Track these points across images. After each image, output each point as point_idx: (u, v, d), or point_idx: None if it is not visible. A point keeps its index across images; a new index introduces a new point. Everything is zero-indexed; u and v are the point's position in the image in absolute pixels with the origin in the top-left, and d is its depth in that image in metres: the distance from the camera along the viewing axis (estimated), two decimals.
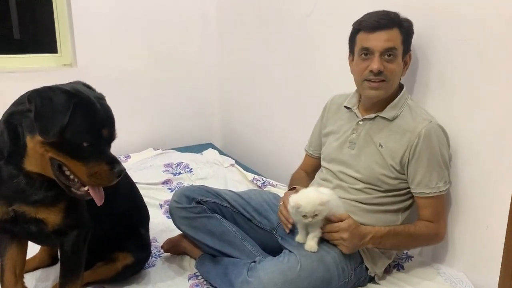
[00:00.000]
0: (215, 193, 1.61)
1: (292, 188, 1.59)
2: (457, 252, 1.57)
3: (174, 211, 1.57)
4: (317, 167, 1.78)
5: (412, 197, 1.52)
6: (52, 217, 1.18)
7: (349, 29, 1.53)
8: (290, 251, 1.35)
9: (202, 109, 3.08)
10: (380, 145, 1.48)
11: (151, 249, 1.63)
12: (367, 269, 1.45)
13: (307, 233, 1.39)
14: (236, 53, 2.83)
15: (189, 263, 1.64)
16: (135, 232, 1.56)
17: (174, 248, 1.66)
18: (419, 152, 1.41)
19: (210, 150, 2.80)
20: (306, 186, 1.67)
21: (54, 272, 1.54)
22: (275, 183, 2.30)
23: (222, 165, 2.59)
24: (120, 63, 2.70)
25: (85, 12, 2.53)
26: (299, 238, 1.40)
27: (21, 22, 3.09)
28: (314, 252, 1.33)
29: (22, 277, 1.33)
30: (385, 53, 1.42)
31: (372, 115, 1.51)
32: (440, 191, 1.44)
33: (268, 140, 2.64)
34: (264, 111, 2.65)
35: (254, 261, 1.36)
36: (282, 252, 1.40)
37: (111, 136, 1.17)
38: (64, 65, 2.67)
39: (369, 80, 1.46)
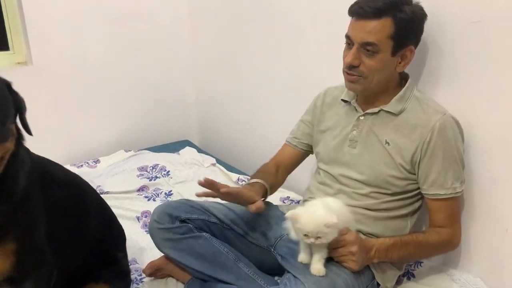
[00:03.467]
0: (201, 208, 1.42)
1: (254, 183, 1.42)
2: (473, 256, 1.43)
3: (155, 233, 1.37)
4: (292, 163, 1.60)
5: (421, 199, 1.37)
6: None
7: (339, 13, 1.35)
8: (295, 277, 1.16)
9: (175, 103, 2.84)
10: (387, 142, 1.31)
11: (132, 274, 1.43)
12: (378, 284, 1.30)
13: (311, 252, 1.21)
14: (212, 40, 2.58)
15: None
16: (112, 259, 1.35)
17: (157, 272, 1.46)
18: (433, 148, 1.25)
19: (187, 148, 2.59)
20: (271, 184, 1.49)
21: None
22: None
23: (202, 165, 2.39)
24: (80, 58, 2.42)
25: (37, 4, 2.25)
26: (302, 258, 1.22)
27: None
28: (322, 276, 1.15)
29: None
30: (364, 46, 1.24)
31: (376, 109, 1.34)
32: (456, 192, 1.28)
33: (251, 135, 2.44)
34: (246, 104, 2.44)
35: None
36: (285, 277, 1.22)
37: None
38: (18, 63, 2.39)
39: (346, 72, 1.30)
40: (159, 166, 2.33)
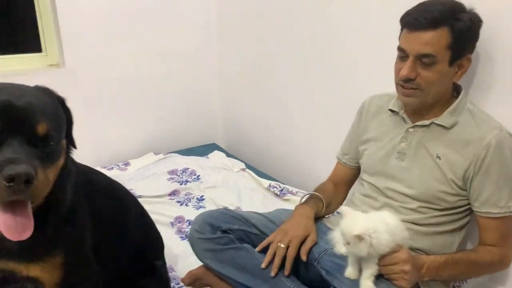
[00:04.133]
0: (242, 219, 1.39)
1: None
2: None
3: (195, 243, 1.35)
4: (350, 179, 1.57)
5: (470, 214, 1.32)
6: (47, 275, 0.94)
7: (379, 18, 1.31)
8: None
9: (203, 107, 2.83)
10: (438, 157, 1.26)
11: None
12: None
13: (359, 267, 1.18)
14: (240, 45, 2.57)
15: None
16: (151, 268, 1.33)
17: (196, 282, 1.44)
18: (488, 165, 1.20)
19: (216, 152, 2.57)
20: (329, 202, 1.48)
21: None
22: (294, 190, 2.09)
23: (231, 170, 2.37)
24: (113, 62, 2.43)
25: (71, 6, 2.25)
26: (349, 273, 1.19)
27: None
28: None
29: None
30: (420, 58, 1.20)
31: (426, 122, 1.29)
32: (511, 212, 1.23)
33: (280, 140, 2.41)
34: (273, 110, 2.42)
35: None
36: None
37: (6, 126, 0.78)
38: (50, 65, 2.40)
39: (401, 86, 1.26)
40: (189, 170, 2.32)
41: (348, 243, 1.12)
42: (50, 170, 0.84)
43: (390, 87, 1.38)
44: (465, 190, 1.26)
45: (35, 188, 0.76)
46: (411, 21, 1.21)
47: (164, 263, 1.39)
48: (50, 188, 0.87)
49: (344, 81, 1.91)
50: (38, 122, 0.80)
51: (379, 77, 1.52)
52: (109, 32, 2.37)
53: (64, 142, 0.93)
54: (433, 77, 1.21)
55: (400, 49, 1.25)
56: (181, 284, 1.47)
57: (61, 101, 0.93)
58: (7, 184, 0.73)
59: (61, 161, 0.89)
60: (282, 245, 1.27)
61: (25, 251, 0.89)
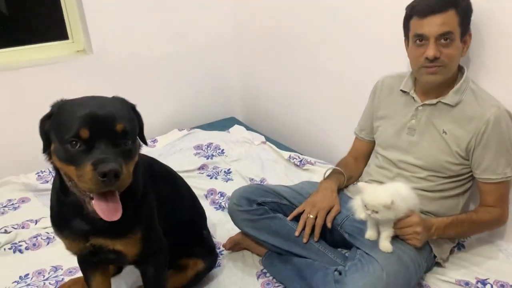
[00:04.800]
0: (273, 192, 1.60)
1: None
2: None
3: (235, 214, 1.56)
4: (368, 152, 1.75)
5: (472, 180, 1.52)
6: (129, 248, 1.16)
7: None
8: (367, 254, 1.35)
9: (221, 82, 2.98)
10: (444, 132, 1.45)
11: None
12: (435, 256, 1.48)
13: (378, 230, 1.39)
14: (256, 19, 2.66)
15: (253, 260, 1.65)
16: (199, 236, 1.56)
17: (235, 247, 1.67)
18: (487, 139, 1.39)
19: (236, 127, 2.75)
20: (350, 175, 1.67)
21: (122, 281, 1.56)
22: (313, 160, 2.27)
23: (252, 143, 2.55)
24: (136, 44, 2.57)
25: None
26: (369, 235, 1.40)
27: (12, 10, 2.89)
28: (390, 253, 1.33)
29: None
30: (441, 38, 1.36)
31: (434, 101, 1.47)
32: (507, 177, 1.43)
33: (297, 113, 2.58)
34: (291, 83, 2.55)
35: (337, 270, 1.36)
36: (355, 252, 1.41)
37: (94, 133, 0.97)
38: (78, 51, 2.55)
39: (426, 67, 1.41)
40: (213, 144, 2.51)
41: (376, 212, 1.30)
42: (130, 164, 1.03)
43: (403, 67, 1.54)
44: (468, 160, 1.45)
45: (121, 180, 0.96)
46: (424, 8, 1.37)
47: (209, 232, 1.62)
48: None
49: (361, 57, 2.03)
50: (117, 124, 0.99)
51: (395, 55, 1.67)
52: (131, 15, 2.50)
53: (138, 141, 1.12)
54: (454, 52, 1.38)
55: (417, 35, 1.39)
56: (222, 248, 1.70)
57: (132, 108, 1.11)
58: (102, 179, 0.93)
59: (137, 157, 1.09)
60: (311, 216, 1.49)
61: (112, 229, 1.11)
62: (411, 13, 1.41)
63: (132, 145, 1.03)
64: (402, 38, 1.53)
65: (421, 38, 1.38)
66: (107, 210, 1.00)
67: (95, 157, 0.95)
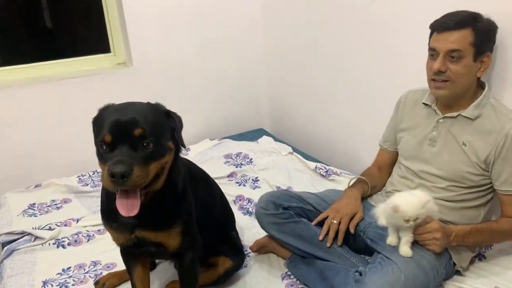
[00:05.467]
0: (299, 198, 1.68)
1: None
2: None
3: (262, 217, 1.65)
4: (391, 162, 1.82)
5: (493, 191, 1.56)
6: (171, 241, 1.28)
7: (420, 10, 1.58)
8: (387, 257, 1.42)
9: (251, 95, 3.11)
10: (464, 144, 1.51)
11: None
12: (454, 264, 1.53)
13: (398, 236, 1.46)
14: (286, 32, 2.77)
15: (278, 262, 1.74)
16: (229, 237, 1.66)
17: (261, 249, 1.76)
18: (506, 152, 1.44)
19: (264, 137, 2.86)
20: (374, 184, 1.74)
21: (156, 277, 1.67)
22: (339, 171, 2.35)
23: (280, 153, 2.65)
24: (172, 57, 2.73)
25: (136, 10, 2.54)
26: (390, 240, 1.47)
27: (57, 25, 3.09)
28: (409, 257, 1.39)
29: None
30: (449, 54, 1.43)
31: (454, 114, 1.53)
32: None
33: (324, 125, 2.66)
34: (318, 96, 2.65)
35: (357, 271, 1.43)
36: (376, 256, 1.48)
37: (116, 137, 1.09)
38: (119, 64, 2.73)
39: (433, 80, 1.49)
40: (242, 154, 2.63)
41: (407, 220, 1.36)
42: (153, 165, 1.11)
43: (425, 82, 1.61)
44: (487, 171, 1.50)
45: (132, 180, 1.05)
46: (441, 24, 1.47)
47: (237, 233, 1.72)
48: (163, 178, 1.19)
49: (387, 70, 2.11)
50: (135, 129, 1.09)
51: (417, 72, 1.73)
52: (168, 30, 2.67)
53: (170, 143, 1.21)
54: (460, 70, 1.45)
55: (431, 48, 1.49)
56: (249, 250, 1.80)
57: (166, 112, 1.22)
58: (111, 179, 1.05)
59: (166, 158, 1.17)
60: (335, 221, 1.57)
61: (155, 223, 1.24)
62: (432, 29, 1.51)
63: (154, 148, 1.11)
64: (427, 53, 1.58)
65: (434, 52, 1.47)
66: (126, 206, 1.11)
67: (112, 159, 1.07)
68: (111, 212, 1.23)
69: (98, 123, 1.15)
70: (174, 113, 1.25)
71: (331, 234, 1.57)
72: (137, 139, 1.09)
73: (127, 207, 1.11)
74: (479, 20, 1.44)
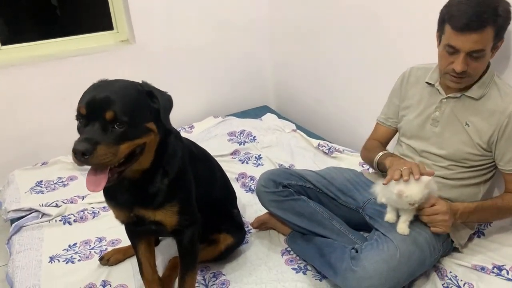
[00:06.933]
0: (299, 176, 1.70)
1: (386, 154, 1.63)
2: None
3: (262, 195, 1.67)
4: (391, 138, 1.82)
5: (493, 170, 1.56)
6: (168, 219, 1.31)
7: None
8: (384, 235, 1.44)
9: (255, 72, 3.10)
10: (467, 124, 1.50)
11: None
12: (452, 241, 1.54)
13: (397, 213, 1.47)
14: (290, 12, 2.75)
15: (278, 238, 1.77)
16: (229, 214, 1.69)
17: (262, 226, 1.79)
18: (510, 132, 1.43)
19: (268, 115, 2.86)
20: None
21: (159, 253, 1.71)
22: (341, 148, 2.35)
23: (283, 130, 2.66)
24: (176, 35, 2.72)
25: None
26: (388, 217, 1.48)
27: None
28: (406, 235, 1.41)
29: (156, 267, 1.51)
30: (472, 53, 1.38)
31: (458, 94, 1.52)
32: None
33: (328, 102, 2.66)
34: (321, 73, 2.64)
35: (354, 248, 1.45)
36: (373, 233, 1.50)
37: (89, 113, 1.10)
38: (122, 41, 2.72)
39: (451, 75, 1.45)
40: (246, 131, 2.64)
41: (412, 204, 1.36)
42: (124, 145, 1.11)
43: (430, 57, 1.58)
44: (490, 152, 1.49)
45: (95, 159, 1.05)
46: (462, 22, 1.33)
47: (239, 211, 1.75)
48: (148, 157, 1.21)
49: (389, 49, 2.09)
50: (107, 110, 1.08)
51: (421, 47, 1.71)
52: (171, 6, 2.64)
53: (150, 124, 1.18)
54: (481, 66, 1.42)
55: (450, 46, 1.38)
56: (250, 227, 1.83)
57: (148, 92, 1.20)
58: (74, 155, 1.05)
59: (144, 139, 1.16)
60: (404, 168, 1.39)
61: (150, 201, 1.26)
62: (448, 21, 1.40)
63: (128, 128, 1.11)
64: (434, 31, 1.52)
65: (453, 49, 1.40)
66: (91, 182, 1.12)
67: (81, 136, 1.09)
68: (111, 190, 1.26)
69: (81, 96, 1.16)
70: (162, 93, 1.23)
71: (401, 173, 1.38)
72: (107, 120, 1.09)
73: (93, 183, 1.12)
74: (499, 14, 1.34)
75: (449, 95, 1.54)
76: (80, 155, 1.05)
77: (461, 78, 1.43)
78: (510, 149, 1.45)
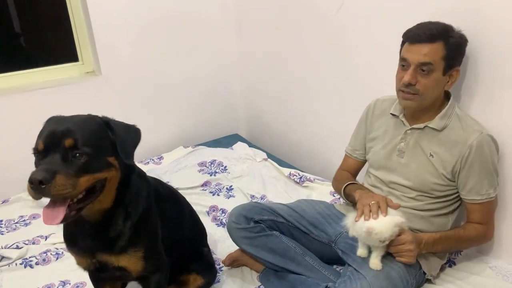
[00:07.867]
0: (270, 210, 1.67)
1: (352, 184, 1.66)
2: (504, 245, 1.66)
3: (233, 232, 1.64)
4: (359, 169, 1.83)
5: (459, 200, 1.59)
6: (133, 265, 1.25)
7: (392, 14, 1.63)
8: (356, 271, 1.42)
9: (226, 101, 3.09)
10: (431, 155, 1.52)
11: None
12: (424, 273, 1.54)
13: (368, 247, 1.46)
14: (259, 38, 2.77)
15: (251, 276, 1.73)
16: (199, 253, 1.64)
17: (235, 263, 1.75)
18: (471, 162, 1.46)
19: (239, 143, 2.83)
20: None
21: None
22: (312, 177, 2.35)
23: (254, 159, 2.63)
24: (143, 65, 2.69)
25: (103, 17, 2.48)
26: (360, 252, 1.47)
27: (25, 30, 3.00)
28: (379, 270, 1.40)
29: None
30: (420, 66, 1.43)
31: (421, 125, 1.54)
32: (490, 197, 1.50)
33: (298, 131, 2.67)
34: (292, 101, 2.65)
35: (327, 286, 1.43)
36: (346, 269, 1.48)
37: (48, 145, 1.06)
38: (87, 72, 2.67)
39: (402, 91, 1.49)
40: (217, 161, 2.60)
41: (384, 241, 1.36)
42: (84, 178, 1.06)
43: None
44: (454, 182, 1.52)
45: (52, 189, 0.99)
46: (413, 36, 1.45)
47: (209, 249, 1.70)
48: (109, 195, 1.16)
49: (362, 76, 2.12)
50: (66, 138, 1.06)
51: (390, 77, 1.73)
52: (138, 38, 2.62)
53: (111, 159, 1.14)
54: (430, 84, 1.45)
55: (402, 59, 1.48)
56: (222, 264, 1.78)
57: (106, 123, 1.16)
58: (31, 185, 1.00)
59: (105, 174, 1.12)
60: (373, 202, 1.43)
61: (114, 246, 1.20)
62: (404, 39, 1.50)
63: (89, 159, 1.07)
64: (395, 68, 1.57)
65: (405, 62, 1.47)
66: (48, 215, 1.06)
67: (40, 167, 1.03)
68: (72, 235, 1.20)
69: (39, 133, 1.12)
70: (128, 126, 1.20)
71: (367, 210, 1.42)
72: (68, 149, 1.06)
73: (50, 216, 1.05)
74: (451, 35, 1.44)
75: (413, 126, 1.56)
76: (37, 183, 0.98)
77: (411, 94, 1.46)
78: (471, 179, 1.48)
